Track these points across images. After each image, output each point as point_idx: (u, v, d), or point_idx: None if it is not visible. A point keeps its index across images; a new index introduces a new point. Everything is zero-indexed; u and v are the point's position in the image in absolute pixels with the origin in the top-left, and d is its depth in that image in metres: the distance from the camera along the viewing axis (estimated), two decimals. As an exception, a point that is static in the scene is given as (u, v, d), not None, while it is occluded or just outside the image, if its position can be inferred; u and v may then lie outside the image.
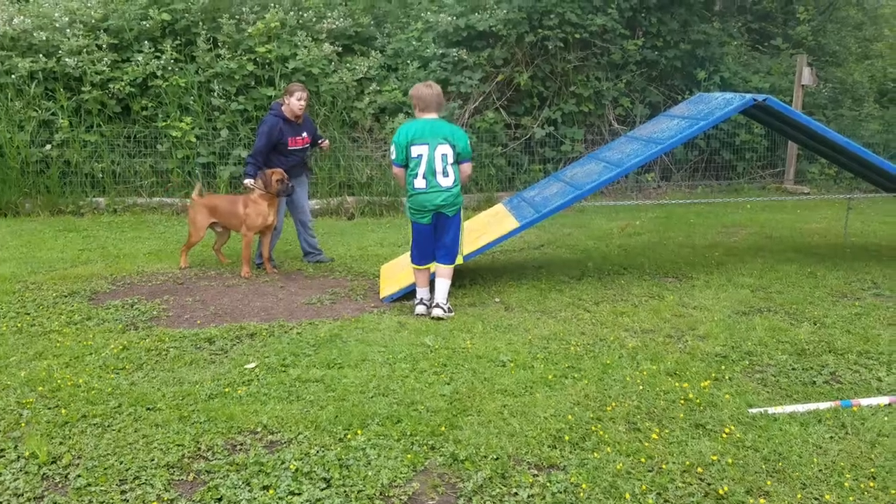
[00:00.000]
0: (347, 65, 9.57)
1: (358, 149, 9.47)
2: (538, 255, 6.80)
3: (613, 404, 3.40)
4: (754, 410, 3.33)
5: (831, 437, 3.08)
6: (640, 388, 3.60)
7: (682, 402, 3.44)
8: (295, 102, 5.99)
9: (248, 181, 5.97)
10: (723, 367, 3.90)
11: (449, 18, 9.55)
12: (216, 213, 6.11)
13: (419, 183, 4.80)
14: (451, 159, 4.78)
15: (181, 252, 6.30)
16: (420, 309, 4.93)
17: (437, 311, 4.82)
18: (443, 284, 4.89)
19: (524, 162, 10.05)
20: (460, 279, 5.58)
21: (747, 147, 10.90)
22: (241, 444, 3.08)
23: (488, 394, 3.53)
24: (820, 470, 2.81)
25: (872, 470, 2.81)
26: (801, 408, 3.36)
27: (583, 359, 4.01)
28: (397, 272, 5.73)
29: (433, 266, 5.01)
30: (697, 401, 3.43)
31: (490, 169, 9.74)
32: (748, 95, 5.54)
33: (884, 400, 3.44)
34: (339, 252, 6.83)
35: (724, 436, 3.08)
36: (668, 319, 4.74)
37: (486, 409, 3.36)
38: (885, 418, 3.25)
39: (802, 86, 10.65)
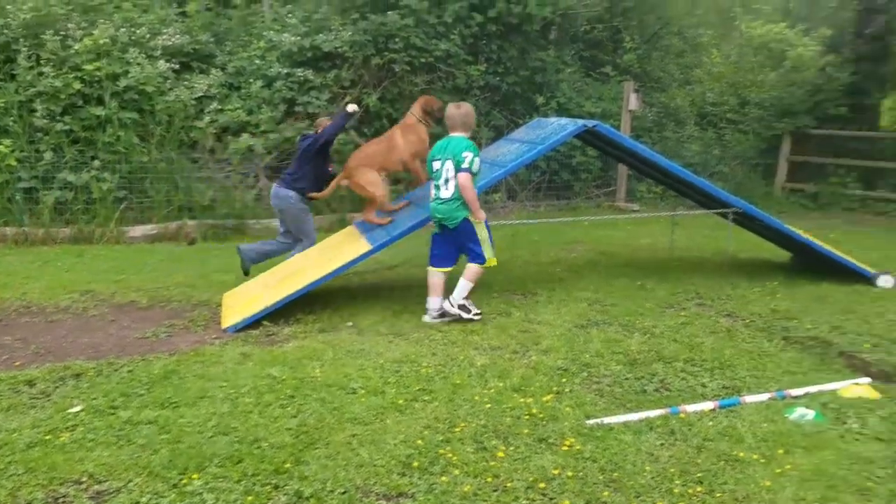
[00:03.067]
0: (185, 83, 9.17)
1: (199, 169, 9.08)
2: (392, 275, 6.80)
3: (462, 425, 3.43)
4: (592, 421, 3.47)
5: (662, 444, 3.27)
6: (488, 406, 3.66)
7: (526, 417, 3.53)
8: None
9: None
10: (564, 380, 4.05)
11: (293, 38, 9.41)
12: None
13: (432, 192, 5.22)
14: (452, 172, 5.03)
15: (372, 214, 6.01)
16: (428, 318, 5.24)
17: (445, 305, 5.22)
18: (461, 284, 5.23)
19: (376, 182, 10.05)
20: (311, 304, 5.47)
21: (583, 168, 11.53)
22: (64, 497, 2.82)
23: (337, 424, 3.46)
24: (652, 477, 2.97)
25: (699, 475, 3.00)
26: (634, 416, 3.54)
27: (434, 380, 4.03)
28: (242, 300, 5.52)
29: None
30: (541, 415, 3.54)
31: (342, 190, 9.64)
32: (580, 121, 5.85)
33: (708, 405, 3.70)
34: (178, 280, 6.47)
35: (565, 449, 3.19)
36: (515, 336, 4.87)
37: (335, 440, 3.29)
38: (710, 423, 3.49)
39: (630, 110, 11.43)
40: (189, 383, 3.97)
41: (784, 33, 15.26)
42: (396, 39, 9.52)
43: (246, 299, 5.48)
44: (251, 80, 9.42)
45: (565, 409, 3.61)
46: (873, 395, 3.82)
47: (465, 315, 5.18)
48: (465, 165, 4.99)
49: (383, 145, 6.15)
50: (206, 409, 3.63)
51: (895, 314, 5.44)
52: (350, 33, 9.48)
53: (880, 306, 5.65)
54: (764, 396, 3.81)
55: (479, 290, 6.10)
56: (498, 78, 10.90)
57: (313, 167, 6.31)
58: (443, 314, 5.22)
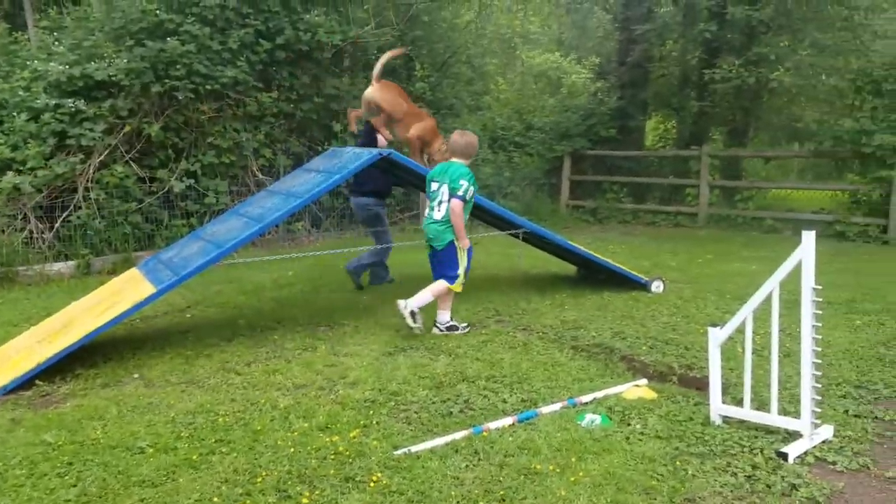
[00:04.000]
0: (-64, 118, 8.09)
1: (-46, 214, 8.02)
2: (185, 318, 6.38)
3: (264, 474, 3.26)
4: (399, 452, 3.45)
5: (466, 466, 3.32)
6: (292, 450, 3.51)
7: (332, 457, 3.43)
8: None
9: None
10: (371, 412, 4.00)
11: (61, 67, 8.64)
12: None
13: (426, 212, 5.53)
14: (447, 196, 5.33)
15: None
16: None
17: (406, 314, 5.38)
18: (423, 293, 5.45)
19: (165, 217, 9.46)
20: (92, 357, 5.00)
21: (386, 193, 11.66)
22: None
23: (123, 489, 3.14)
24: (457, 502, 3.00)
25: (501, 492, 3.07)
26: (440, 441, 3.57)
27: (232, 429, 3.81)
28: (12, 357, 4.91)
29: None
30: (347, 453, 3.46)
31: (125, 227, 8.96)
32: (375, 150, 5.90)
33: (508, 421, 3.82)
34: (-70, 342, 5.62)
35: (373, 485, 3.14)
36: (321, 371, 4.75)
37: (120, 508, 2.99)
38: (510, 438, 3.61)
39: (426, 136, 11.75)
40: (-59, 464, 3.44)
41: (559, 62, 16.58)
42: (178, 66, 9.06)
43: (16, 357, 4.88)
44: (14, 114, 8.51)
45: (373, 443, 3.57)
46: (651, 395, 4.17)
47: (413, 324, 5.40)
48: (459, 193, 5.30)
49: (418, 118, 6.67)
50: (-37, 492, 3.15)
51: (667, 317, 6.02)
52: (126, 61, 8.89)
53: (654, 310, 6.23)
54: (557, 406, 4.02)
55: (284, 325, 5.93)
56: (292, 105, 10.74)
57: (374, 167, 6.32)
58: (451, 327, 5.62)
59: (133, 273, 5.91)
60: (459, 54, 15.38)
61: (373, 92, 6.41)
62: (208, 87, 9.41)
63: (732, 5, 11.71)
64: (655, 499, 3.03)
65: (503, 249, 9.60)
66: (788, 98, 13.93)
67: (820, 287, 3.43)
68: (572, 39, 18.76)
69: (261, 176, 10.42)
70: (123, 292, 5.44)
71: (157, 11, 9.36)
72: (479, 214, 7.65)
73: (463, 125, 13.86)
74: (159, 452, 3.53)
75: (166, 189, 9.41)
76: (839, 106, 11.66)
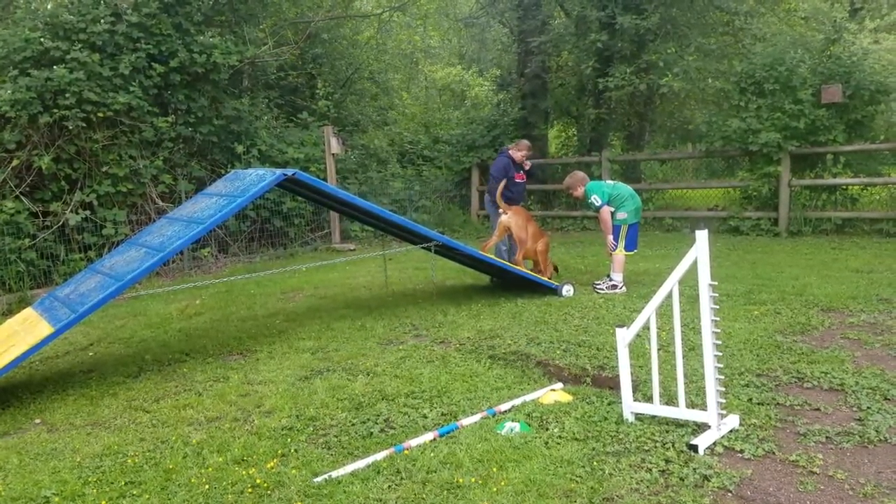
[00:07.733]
0: None
1: None
2: (87, 356, 6.08)
3: (178, 514, 3.14)
4: (319, 479, 3.38)
5: (389, 487, 3.29)
6: (207, 487, 3.39)
7: (249, 490, 3.33)
8: (518, 154, 8.21)
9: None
10: (289, 440, 3.91)
11: (-62, 99, 8.13)
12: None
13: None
14: None
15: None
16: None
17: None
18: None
19: (61, 252, 9.00)
20: (-16, 407, 4.69)
21: (295, 213, 11.50)
22: None
23: (24, 547, 2.96)
24: (381, 524, 2.97)
25: (424, 509, 3.07)
26: (361, 463, 3.52)
27: (143, 470, 3.64)
28: None
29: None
30: (265, 485, 3.37)
31: (19, 265, 8.47)
32: (279, 171, 5.80)
33: (429, 436, 3.81)
34: None
35: (294, 515, 3.07)
36: (234, 401, 4.61)
37: (21, 568, 2.80)
38: (432, 454, 3.60)
39: (333, 154, 11.68)
40: None
41: (462, 75, 16.80)
42: (67, 94, 8.67)
43: None
44: None
45: (291, 472, 3.48)
46: (567, 398, 4.25)
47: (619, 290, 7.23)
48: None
49: (535, 230, 7.75)
50: None
51: (579, 319, 6.17)
52: (10, 91, 8.43)
53: (566, 314, 6.37)
54: (477, 417, 4.04)
55: (193, 357, 5.73)
56: (190, 129, 10.44)
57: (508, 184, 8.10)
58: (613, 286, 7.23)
59: (28, 313, 5.58)
60: (362, 71, 15.38)
61: (507, 219, 7.62)
62: (100, 114, 9.04)
63: (620, 15, 12.17)
64: (575, 501, 3.08)
65: (417, 263, 9.61)
66: (679, 102, 14.60)
67: (716, 283, 3.59)
68: (472, 53, 19.06)
69: (161, 203, 10.07)
70: (19, 334, 5.13)
71: (42, 39, 8.93)
72: (389, 230, 7.66)
73: (371, 141, 13.89)
74: (66, 501, 3.34)
75: (61, 222, 8.96)
76: (726, 107, 12.27)
